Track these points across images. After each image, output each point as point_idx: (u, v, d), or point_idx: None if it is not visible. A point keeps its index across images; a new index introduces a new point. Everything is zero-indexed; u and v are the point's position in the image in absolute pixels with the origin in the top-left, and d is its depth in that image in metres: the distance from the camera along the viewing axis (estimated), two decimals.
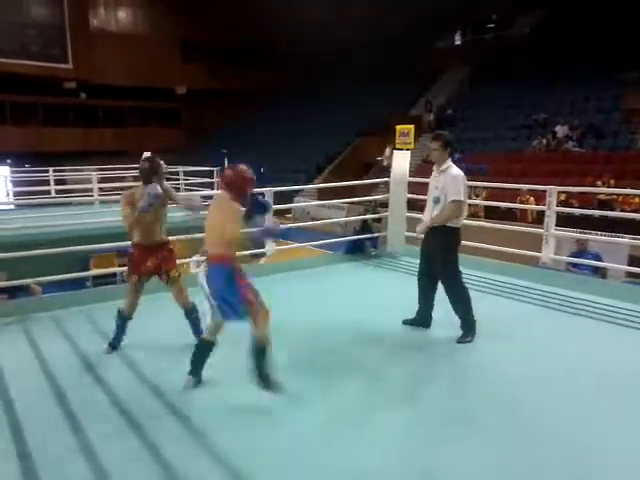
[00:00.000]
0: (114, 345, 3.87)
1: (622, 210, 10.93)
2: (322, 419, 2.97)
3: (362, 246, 6.95)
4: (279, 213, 9.77)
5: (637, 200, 11.23)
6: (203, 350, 3.36)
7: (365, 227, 7.24)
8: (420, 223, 4.23)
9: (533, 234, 6.28)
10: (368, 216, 7.38)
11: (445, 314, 4.15)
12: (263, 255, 6.74)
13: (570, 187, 9.02)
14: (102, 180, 13.38)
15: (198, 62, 29.08)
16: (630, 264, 7.89)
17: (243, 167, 3.24)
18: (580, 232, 8.00)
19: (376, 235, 7.08)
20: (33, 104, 26.42)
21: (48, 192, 12.58)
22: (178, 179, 13.70)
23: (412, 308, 4.32)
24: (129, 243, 3.94)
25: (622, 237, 8.59)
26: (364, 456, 2.63)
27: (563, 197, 10.63)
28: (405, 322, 4.33)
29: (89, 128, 27.67)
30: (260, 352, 3.17)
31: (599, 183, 11.94)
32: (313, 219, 15.48)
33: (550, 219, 5.78)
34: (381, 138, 17.64)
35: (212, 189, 11.95)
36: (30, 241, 7.03)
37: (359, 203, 9.94)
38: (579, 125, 15.65)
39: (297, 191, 16.58)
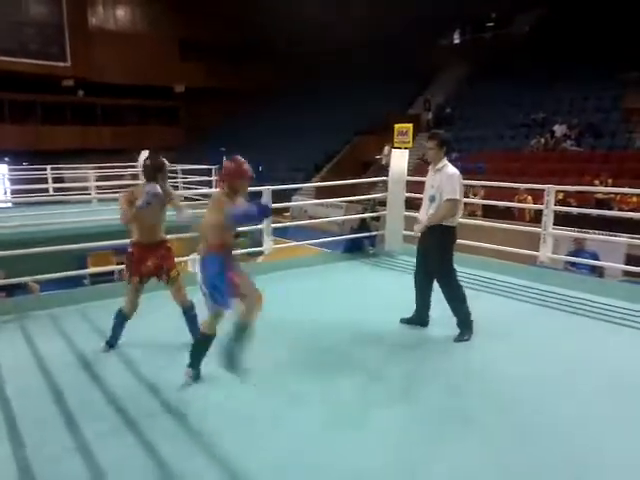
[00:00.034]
0: (111, 343, 3.86)
1: (620, 209, 10.94)
2: (320, 418, 2.97)
3: (360, 245, 6.95)
4: (277, 212, 9.76)
5: (635, 199, 11.24)
6: (203, 343, 3.37)
7: (363, 226, 7.24)
8: (417, 223, 4.23)
9: (531, 233, 6.28)
10: (366, 215, 7.38)
11: (442, 313, 4.15)
12: (261, 253, 6.74)
13: (568, 186, 9.02)
14: (100, 178, 13.36)
15: (196, 60, 29.05)
16: (627, 263, 7.90)
17: (239, 159, 3.31)
18: (578, 231, 8.01)
19: (374, 234, 7.08)
20: (31, 102, 26.37)
21: (46, 190, 12.56)
22: (176, 177, 13.69)
23: (410, 307, 4.32)
24: (126, 241, 3.93)
25: (619, 236, 8.60)
26: (362, 455, 2.63)
27: (561, 196, 10.63)
28: (402, 321, 4.33)
29: (87, 126, 27.62)
30: (240, 336, 3.24)
31: (597, 182, 11.96)
32: (311, 217, 15.48)
33: (548, 218, 5.79)
34: (380, 137, 17.65)
35: (210, 187, 11.94)
36: (28, 239, 7.03)
37: (357, 202, 9.94)
38: (577, 124, 15.66)
39: (295, 190, 16.57)
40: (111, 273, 7.61)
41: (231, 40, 28.33)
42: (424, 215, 4.16)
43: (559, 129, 15.78)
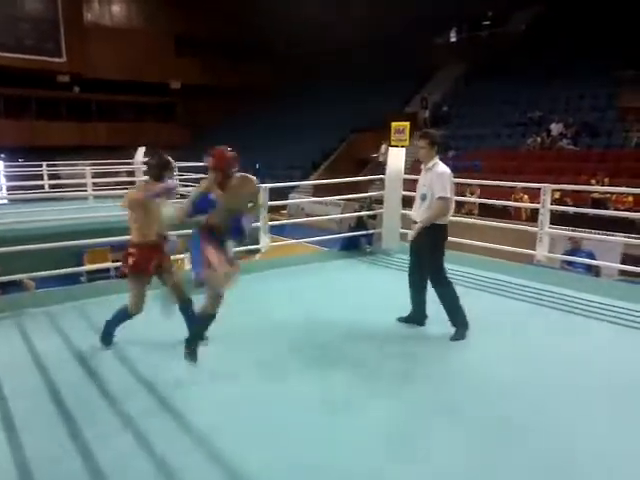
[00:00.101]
0: (108, 342, 3.84)
1: (616, 209, 10.99)
2: (314, 414, 2.98)
3: (357, 243, 6.95)
4: (274, 209, 9.75)
5: (631, 199, 11.29)
6: (203, 322, 3.52)
7: (360, 224, 7.24)
8: (412, 224, 4.21)
9: (527, 232, 6.30)
10: (363, 213, 7.38)
11: (439, 311, 4.15)
12: (258, 251, 6.73)
13: (564, 185, 9.06)
14: (96, 175, 13.30)
15: (191, 56, 28.97)
16: (623, 262, 7.95)
17: (219, 150, 3.60)
18: (574, 230, 8.04)
19: (371, 232, 7.08)
20: (26, 98, 26.28)
21: (42, 187, 12.51)
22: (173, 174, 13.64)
23: (406, 305, 4.33)
24: (123, 238, 3.91)
25: (616, 236, 8.64)
26: (354, 449, 2.66)
27: (557, 195, 10.67)
28: (400, 319, 4.34)
29: (83, 122, 27.53)
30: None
31: (593, 182, 12.00)
32: (308, 215, 15.48)
33: (544, 217, 5.81)
34: (376, 135, 17.66)
35: None
36: (24, 236, 6.99)
37: (354, 200, 9.94)
38: (573, 123, 15.70)
39: (292, 187, 16.56)
40: (108, 270, 7.58)
41: (227, 36, 28.25)
42: (416, 213, 4.19)
43: (555, 128, 15.83)
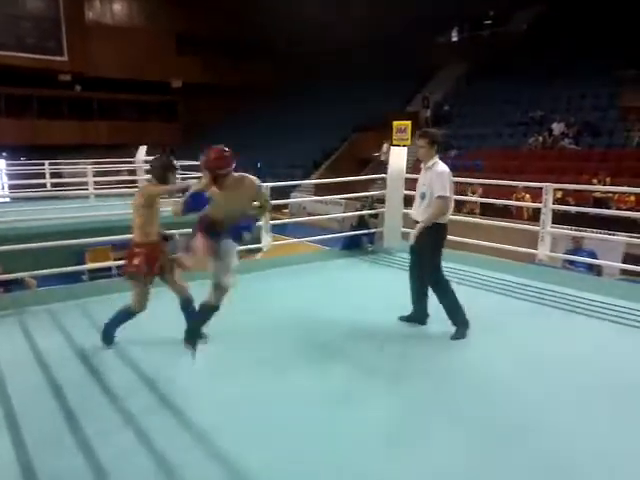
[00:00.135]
0: (110, 341, 3.85)
1: (618, 208, 10.97)
2: (314, 411, 2.99)
3: (359, 242, 6.95)
4: (276, 208, 9.75)
5: (632, 198, 11.27)
6: (205, 313, 3.61)
7: (362, 223, 7.24)
8: (414, 224, 4.20)
9: (529, 231, 6.29)
10: (365, 212, 7.39)
11: (441, 310, 4.15)
12: (259, 250, 6.73)
13: (566, 184, 9.05)
14: (98, 174, 13.31)
15: (192, 55, 28.97)
16: (625, 262, 7.93)
17: (212, 149, 3.60)
18: (576, 230, 8.03)
19: (373, 231, 7.08)
20: (28, 96, 26.29)
21: (44, 185, 12.51)
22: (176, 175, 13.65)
23: (408, 304, 4.33)
24: (125, 237, 3.92)
25: (617, 235, 8.63)
26: (353, 445, 2.66)
27: (559, 195, 10.66)
28: (402, 318, 4.34)
29: (84, 121, 27.55)
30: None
31: (595, 181, 11.99)
32: (309, 214, 15.48)
33: (546, 216, 5.81)
34: (378, 134, 17.66)
35: None
36: (25, 234, 7.00)
37: (356, 199, 9.94)
38: (575, 123, 15.69)
39: (294, 186, 16.56)
40: (109, 269, 7.58)
41: (229, 35, 28.26)
42: (416, 212, 4.20)
43: (557, 127, 15.81)
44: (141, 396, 3.17)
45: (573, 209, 9.13)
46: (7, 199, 13.37)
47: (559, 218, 7.18)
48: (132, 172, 14.11)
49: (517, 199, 11.78)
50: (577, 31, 18.55)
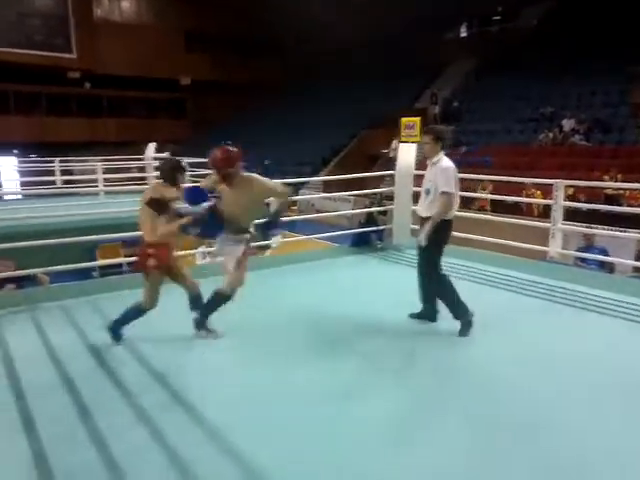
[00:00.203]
0: (119, 336, 3.87)
1: (629, 205, 10.87)
2: (323, 405, 2.99)
3: (368, 239, 6.94)
4: None
5: None
6: (217, 301, 3.75)
7: (370, 220, 7.23)
8: (421, 233, 4.17)
9: (540, 228, 6.25)
10: (374, 209, 7.37)
11: None
12: (268, 247, 6.74)
13: (577, 181, 8.96)
14: (107, 171, 13.38)
15: (201, 52, 28.99)
16: (637, 259, 7.87)
17: (219, 148, 3.71)
18: (587, 226, 7.96)
19: (382, 228, 7.07)
20: (37, 94, 26.42)
21: (53, 182, 12.60)
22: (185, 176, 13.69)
23: (417, 301, 4.31)
24: (135, 234, 3.94)
25: (629, 232, 8.54)
26: (358, 440, 2.68)
27: (570, 191, 10.57)
28: (412, 316, 4.33)
29: (93, 118, 27.66)
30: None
31: (606, 177, 11.88)
32: (318, 211, 15.47)
33: (557, 213, 5.77)
34: (387, 130, 17.59)
35: None
36: (37, 231, 7.06)
37: (365, 196, 9.92)
38: (586, 119, 15.55)
39: (302, 183, 16.54)
40: (120, 265, 7.63)
41: (237, 32, 28.26)
42: (421, 208, 4.21)
43: (567, 123, 15.68)
44: (153, 391, 3.19)
45: (584, 206, 9.04)
46: (19, 196, 13.48)
47: (570, 215, 7.13)
48: (141, 169, 14.17)
49: (527, 196, 11.70)
50: (587, 27, 18.37)
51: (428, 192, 4.12)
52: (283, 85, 28.93)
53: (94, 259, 7.72)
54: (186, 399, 3.08)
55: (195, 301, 3.95)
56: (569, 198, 9.03)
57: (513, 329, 4.19)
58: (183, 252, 5.14)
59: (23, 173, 16.15)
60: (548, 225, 5.90)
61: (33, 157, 18.59)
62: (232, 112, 28.58)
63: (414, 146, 6.69)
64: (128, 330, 3.87)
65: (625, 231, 7.66)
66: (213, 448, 2.63)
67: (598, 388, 3.24)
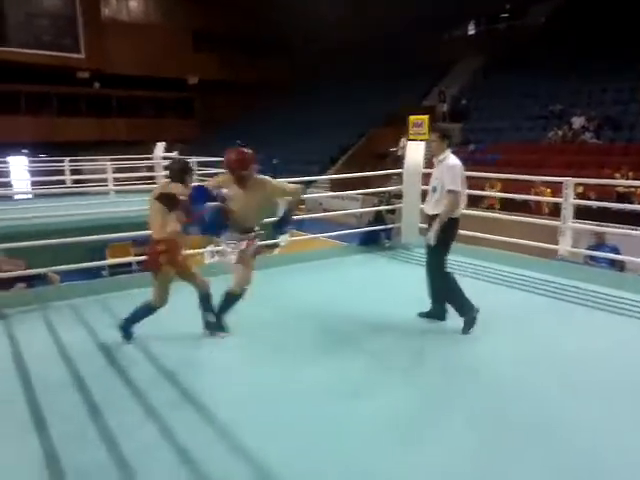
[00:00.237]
0: (129, 335, 3.88)
1: None
2: (330, 403, 2.99)
3: (376, 237, 6.92)
4: None
5: None
6: (228, 301, 3.79)
7: (379, 218, 7.21)
8: (430, 232, 4.16)
9: (549, 226, 6.21)
10: (382, 207, 7.35)
11: None
12: (277, 246, 6.74)
13: (587, 179, 8.89)
14: (117, 170, 13.45)
15: (209, 51, 29.05)
16: None
17: (234, 150, 3.78)
18: (598, 225, 7.89)
19: (390, 226, 7.05)
20: (46, 94, 26.58)
21: (63, 182, 12.67)
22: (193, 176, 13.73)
23: (425, 299, 4.30)
24: (145, 233, 3.96)
25: None
26: (365, 437, 2.68)
27: (580, 189, 10.49)
28: (421, 315, 4.32)
29: (102, 118, 27.80)
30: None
31: (618, 175, 11.78)
32: (326, 210, 15.44)
33: (567, 211, 5.72)
34: (395, 129, 17.54)
35: None
36: (47, 230, 7.11)
37: (373, 194, 9.89)
38: (596, 117, 15.42)
39: (310, 182, 16.52)
40: (129, 264, 7.66)
41: (245, 32, 28.30)
42: (428, 206, 4.21)
43: (577, 121, 15.57)
44: (163, 390, 3.20)
45: (595, 204, 8.97)
46: (29, 195, 13.58)
47: (581, 213, 7.07)
48: (151, 168, 14.23)
49: (536, 194, 11.63)
50: (595, 24, 18.22)
51: (435, 190, 4.13)
52: (291, 84, 28.93)
53: (104, 258, 7.75)
54: (195, 397, 3.10)
55: (205, 300, 3.95)
56: (579, 196, 8.96)
57: (522, 328, 4.16)
58: (192, 251, 5.14)
59: (33, 173, 16.26)
60: (558, 223, 5.85)
61: (43, 157, 18.70)
62: (240, 112, 28.62)
63: (422, 144, 6.66)
64: (138, 329, 3.89)
65: (636, 229, 7.59)
66: (222, 446, 2.63)
67: (609, 386, 3.22)
